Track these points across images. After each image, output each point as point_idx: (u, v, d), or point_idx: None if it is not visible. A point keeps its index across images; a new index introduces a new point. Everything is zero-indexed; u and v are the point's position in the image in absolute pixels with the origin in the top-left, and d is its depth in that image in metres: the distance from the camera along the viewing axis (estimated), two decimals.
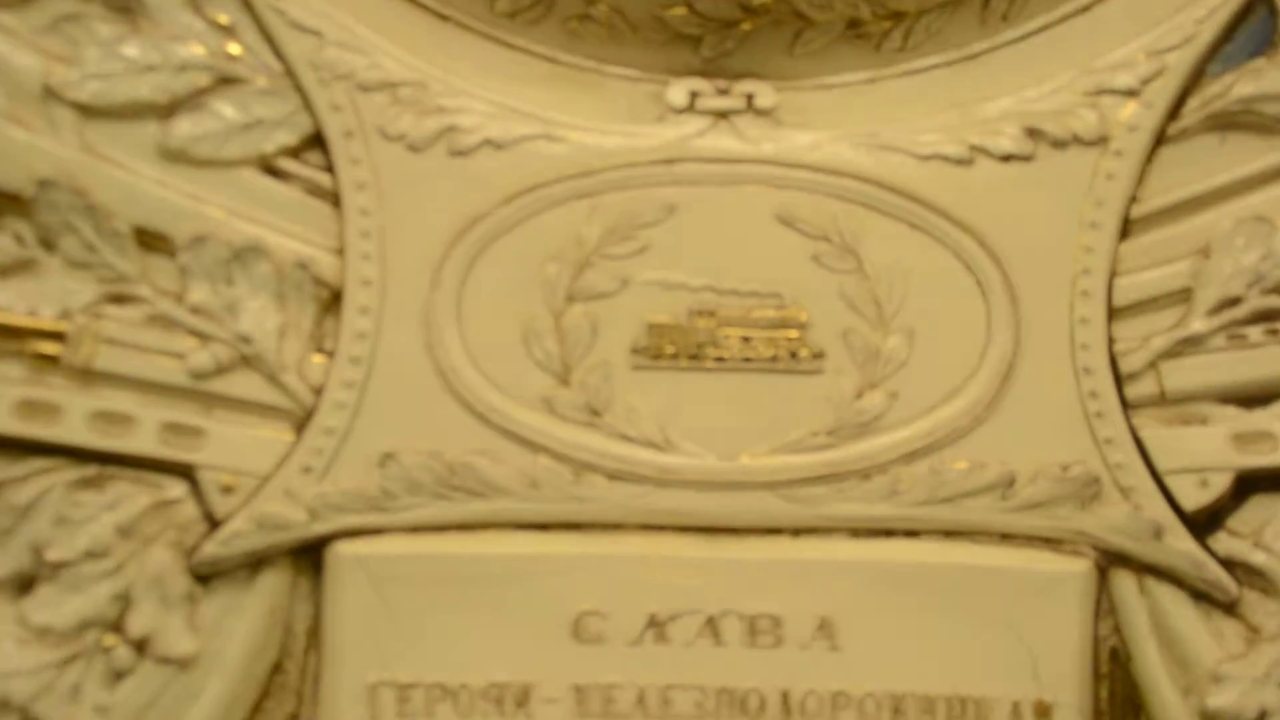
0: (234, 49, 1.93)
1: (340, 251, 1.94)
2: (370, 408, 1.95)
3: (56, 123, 1.93)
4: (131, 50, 1.92)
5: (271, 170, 1.96)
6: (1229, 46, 1.92)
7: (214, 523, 1.94)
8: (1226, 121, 1.93)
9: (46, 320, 1.94)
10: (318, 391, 1.95)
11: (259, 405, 1.96)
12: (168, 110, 1.93)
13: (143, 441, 1.94)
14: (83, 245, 1.93)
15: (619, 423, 1.94)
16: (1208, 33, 1.91)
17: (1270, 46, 1.92)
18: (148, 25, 1.93)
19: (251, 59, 1.93)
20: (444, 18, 1.94)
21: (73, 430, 1.93)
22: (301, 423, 1.94)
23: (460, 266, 1.94)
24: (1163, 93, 1.91)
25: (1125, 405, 1.94)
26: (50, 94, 1.92)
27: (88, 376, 1.95)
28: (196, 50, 1.93)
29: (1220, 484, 1.92)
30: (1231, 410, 1.94)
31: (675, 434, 1.93)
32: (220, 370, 1.95)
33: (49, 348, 1.94)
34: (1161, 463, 1.94)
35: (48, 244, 1.94)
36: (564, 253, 1.93)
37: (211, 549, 1.94)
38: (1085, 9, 1.92)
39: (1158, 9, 1.92)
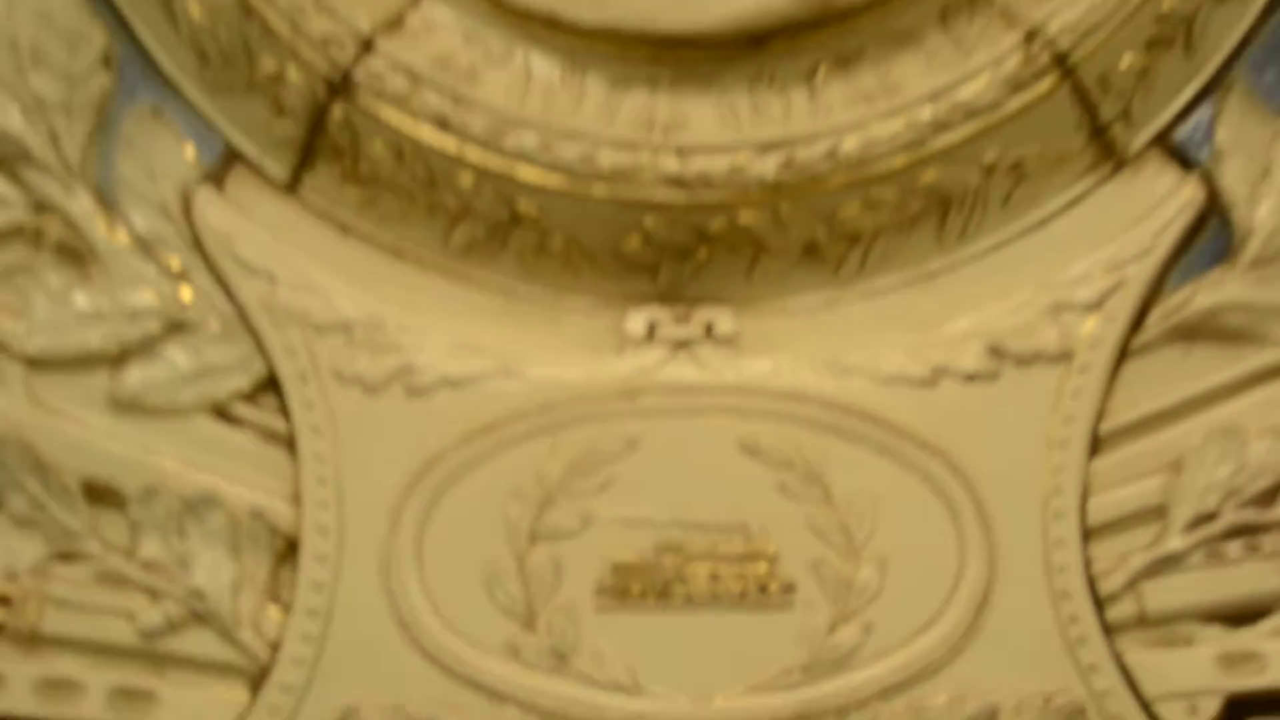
0: (186, 294, 1.85)
1: (296, 498, 1.83)
2: (329, 661, 1.83)
3: (4, 376, 1.85)
4: (81, 299, 1.84)
5: (225, 416, 1.85)
6: (1187, 258, 1.84)
7: None
8: (1190, 333, 1.84)
9: None
10: (275, 646, 1.83)
11: (213, 664, 1.84)
12: (118, 359, 1.84)
13: (91, 708, 1.83)
14: (30, 503, 1.83)
15: (587, 667, 1.82)
16: (1164, 245, 1.83)
17: (1228, 257, 1.84)
18: (98, 272, 1.84)
19: (203, 303, 1.84)
20: (398, 254, 1.85)
21: (16, 700, 1.83)
22: (258, 680, 1.82)
23: (419, 510, 1.82)
24: (1124, 306, 1.82)
25: (1107, 629, 1.82)
26: None
27: (33, 640, 1.84)
28: (148, 297, 1.84)
29: (1210, 709, 1.82)
30: (1216, 630, 1.84)
31: (645, 677, 1.80)
32: (172, 628, 1.84)
33: None
34: (1148, 688, 1.82)
35: None
36: (525, 491, 1.81)
37: None
38: (1042, 224, 1.84)
39: (1114, 223, 1.84)
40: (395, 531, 1.81)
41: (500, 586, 1.81)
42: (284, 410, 1.83)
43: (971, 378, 1.81)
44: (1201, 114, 1.84)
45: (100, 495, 1.84)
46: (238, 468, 1.84)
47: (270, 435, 1.84)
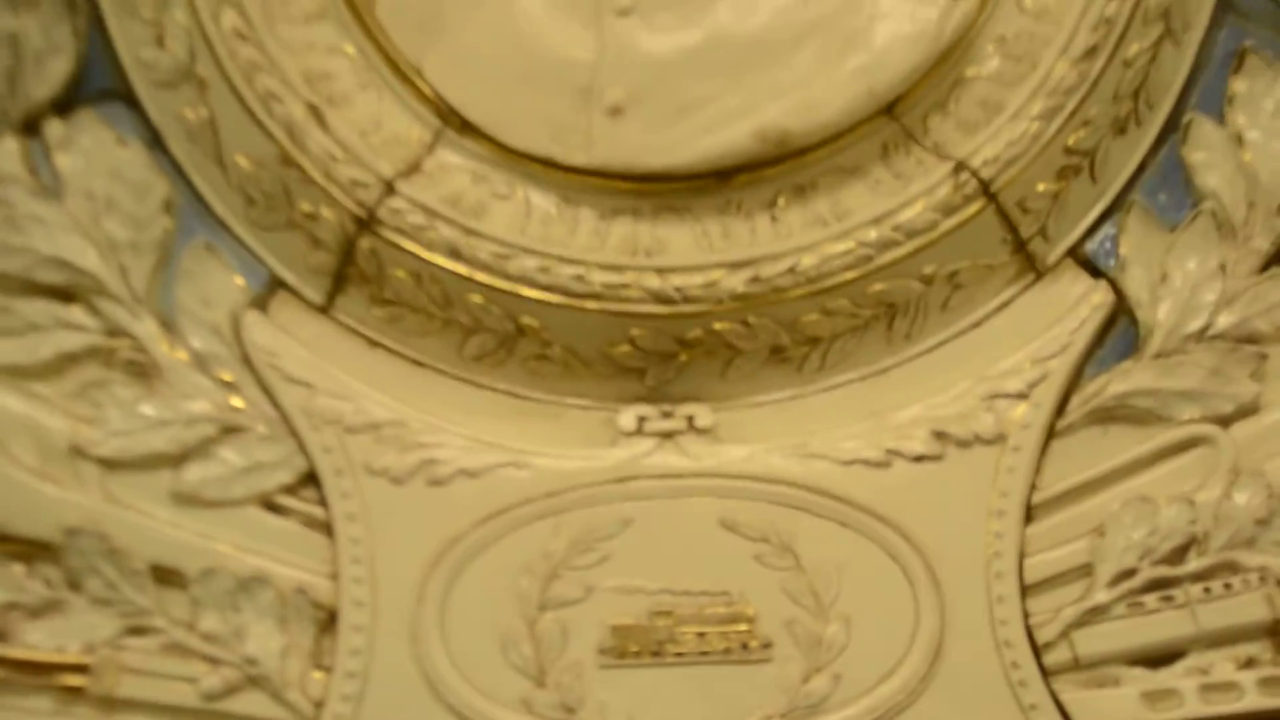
0: (237, 402, 1.91)
1: (335, 576, 1.89)
2: (366, 717, 1.88)
3: (82, 476, 1.91)
4: (148, 409, 1.90)
5: (272, 506, 1.91)
6: (1100, 352, 1.91)
7: None
8: (1106, 416, 1.90)
9: (72, 655, 1.90)
10: (318, 705, 1.88)
11: None
12: (180, 459, 1.90)
13: None
14: (105, 584, 1.89)
15: (592, 719, 1.87)
16: (1081, 342, 1.89)
17: (1135, 351, 1.90)
18: (162, 386, 1.91)
19: (252, 410, 1.91)
20: (420, 364, 1.92)
21: None
22: None
23: (442, 584, 1.87)
24: (1048, 394, 1.88)
25: (1044, 673, 1.87)
26: (77, 452, 1.90)
27: (111, 704, 1.89)
28: (204, 406, 1.91)
29: None
30: (1139, 671, 1.89)
31: None
32: (230, 691, 1.89)
33: (75, 680, 1.90)
34: None
35: (74, 585, 1.90)
36: (534, 566, 1.87)
37: None
38: (975, 326, 1.91)
39: (1037, 322, 1.90)
40: (421, 603, 1.87)
41: (514, 649, 1.87)
42: (322, 500, 1.90)
43: (920, 459, 1.88)
44: (1107, 230, 1.92)
45: (165, 576, 1.90)
46: (284, 550, 1.90)
47: (311, 522, 1.91)
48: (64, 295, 1.92)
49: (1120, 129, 1.89)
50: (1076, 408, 1.90)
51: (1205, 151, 1.91)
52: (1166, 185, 1.92)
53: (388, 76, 1.89)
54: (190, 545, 1.90)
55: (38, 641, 1.91)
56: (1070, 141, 1.86)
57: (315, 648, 1.90)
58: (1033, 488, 1.89)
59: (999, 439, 1.88)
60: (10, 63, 1.89)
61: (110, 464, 1.91)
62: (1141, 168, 1.92)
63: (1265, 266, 1.90)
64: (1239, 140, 1.90)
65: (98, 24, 1.91)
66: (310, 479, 1.91)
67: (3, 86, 1.90)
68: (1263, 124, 1.90)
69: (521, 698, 1.87)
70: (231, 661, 1.89)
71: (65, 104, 1.92)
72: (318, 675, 1.90)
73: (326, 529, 1.90)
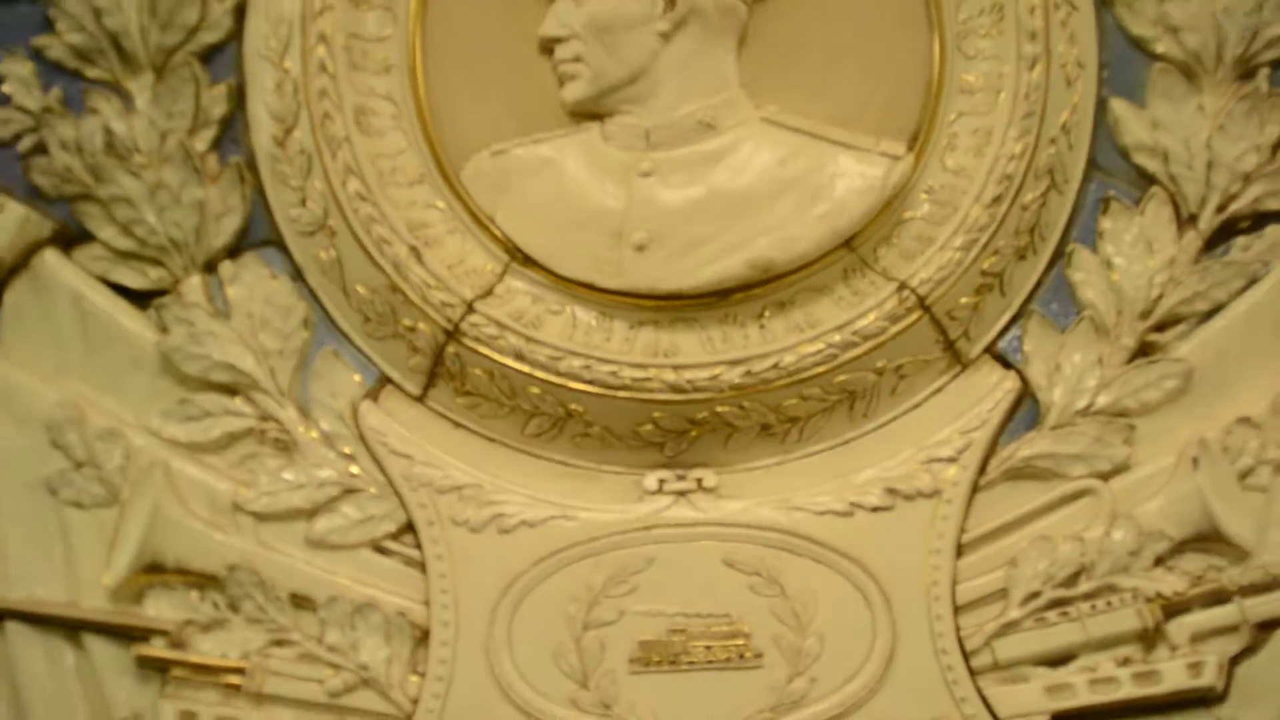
0: (354, 470, 1.96)
1: (427, 603, 1.92)
2: (451, 712, 1.91)
3: (240, 526, 1.96)
4: (289, 475, 1.96)
5: (380, 549, 1.96)
6: (1011, 425, 1.95)
7: None
8: (1016, 474, 1.93)
9: (232, 660, 1.94)
10: (415, 701, 1.92)
11: (375, 713, 1.93)
12: (311, 513, 1.95)
13: None
14: (256, 607, 1.93)
15: (624, 713, 1.90)
16: (996, 417, 1.93)
17: (1037, 423, 1.94)
18: (299, 457, 1.96)
19: (366, 476, 1.95)
20: (492, 440, 1.96)
21: None
22: None
23: (508, 610, 1.91)
24: (973, 458, 1.92)
25: (972, 673, 1.91)
26: (237, 507, 1.96)
27: (260, 699, 1.94)
28: (330, 472, 1.96)
29: None
30: (1043, 670, 1.91)
31: (665, 719, 1.90)
32: (347, 690, 1.93)
33: (234, 680, 1.94)
34: (1001, 711, 1.91)
35: (233, 607, 1.94)
36: (578, 595, 1.91)
37: None
38: (916, 406, 1.95)
39: (963, 403, 1.94)
40: (493, 624, 1.92)
41: (564, 659, 1.91)
42: (418, 545, 1.94)
43: (875, 510, 1.92)
44: (1014, 332, 1.97)
45: (300, 602, 1.95)
46: (388, 583, 1.95)
47: (409, 561, 1.95)
48: (230, 390, 1.97)
49: (1021, 256, 1.94)
50: (994, 468, 1.94)
51: (1084, 273, 1.95)
52: (1057, 298, 1.97)
53: (469, 224, 1.94)
54: (319, 579, 1.95)
55: (207, 650, 1.95)
56: (985, 266, 1.91)
57: (412, 658, 1.94)
58: (962, 530, 1.93)
59: (936, 493, 1.92)
60: (198, 221, 1.96)
61: (261, 516, 1.96)
62: (1038, 285, 1.97)
63: (1131, 359, 1.94)
64: (1108, 264, 1.95)
65: (259, 191, 1.97)
66: (409, 529, 1.95)
67: (192, 238, 1.96)
68: (1125, 252, 1.95)
69: (570, 697, 1.91)
70: (349, 668, 1.93)
71: (235, 249, 1.98)
72: (414, 679, 1.93)
73: (421, 567, 1.94)
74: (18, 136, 1.98)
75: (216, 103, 1.97)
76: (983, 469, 1.94)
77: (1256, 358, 1.94)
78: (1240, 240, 1.96)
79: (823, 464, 1.95)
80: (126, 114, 1.95)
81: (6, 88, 1.98)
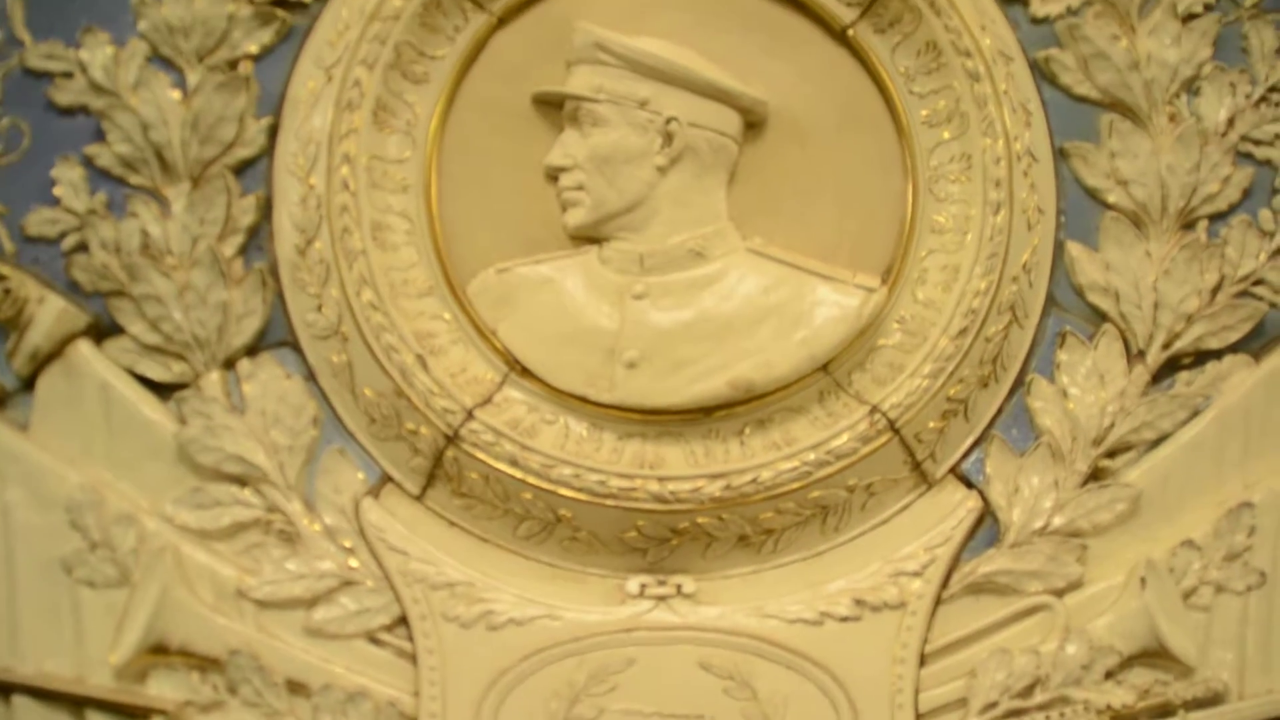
0: (353, 563, 1.84)
1: (417, 694, 1.81)
2: None
3: (243, 612, 1.83)
4: (291, 565, 1.84)
5: (374, 640, 1.84)
6: (972, 542, 1.85)
7: None
8: (977, 589, 1.84)
9: None
10: None
11: None
12: (311, 602, 1.84)
13: None
14: (254, 691, 1.81)
15: None
16: (959, 535, 1.84)
17: (997, 541, 1.85)
18: (302, 549, 1.85)
19: (363, 569, 1.84)
20: (485, 540, 1.85)
21: None
22: None
23: (494, 704, 1.80)
24: (937, 573, 1.83)
25: None
26: (240, 594, 1.83)
27: None
28: (330, 564, 1.85)
29: None
30: None
31: None
32: None
33: None
34: None
35: (232, 690, 1.81)
36: (561, 692, 1.80)
37: None
38: (884, 522, 1.85)
39: (927, 521, 1.85)
40: (479, 717, 1.79)
41: None
42: (410, 638, 1.82)
43: (844, 619, 1.81)
44: (977, 455, 1.87)
45: (296, 688, 1.82)
46: (380, 673, 1.82)
47: (401, 653, 1.83)
48: (240, 481, 1.85)
49: (984, 384, 1.85)
50: (957, 583, 1.84)
51: (1042, 401, 1.86)
52: (1017, 424, 1.89)
53: (472, 335, 1.84)
54: (314, 666, 1.82)
55: None
56: (950, 393, 1.83)
57: None
58: (925, 641, 1.83)
59: (901, 605, 1.82)
60: (221, 320, 1.85)
61: (262, 604, 1.84)
62: (1000, 411, 1.89)
63: (1085, 483, 1.85)
64: (1064, 394, 1.86)
65: (279, 296, 1.86)
66: (402, 622, 1.83)
67: (215, 336, 1.85)
68: (1079, 383, 1.86)
69: None
70: None
71: (253, 349, 1.87)
72: None
73: (412, 659, 1.82)
74: (63, 235, 1.88)
75: (246, 212, 1.87)
76: (946, 583, 1.84)
77: (1199, 484, 1.86)
78: (1184, 375, 1.89)
79: (795, 574, 1.85)
80: (163, 219, 1.86)
81: (57, 190, 1.87)
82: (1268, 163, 1.86)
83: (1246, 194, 1.86)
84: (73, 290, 1.86)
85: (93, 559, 1.82)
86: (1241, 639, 1.81)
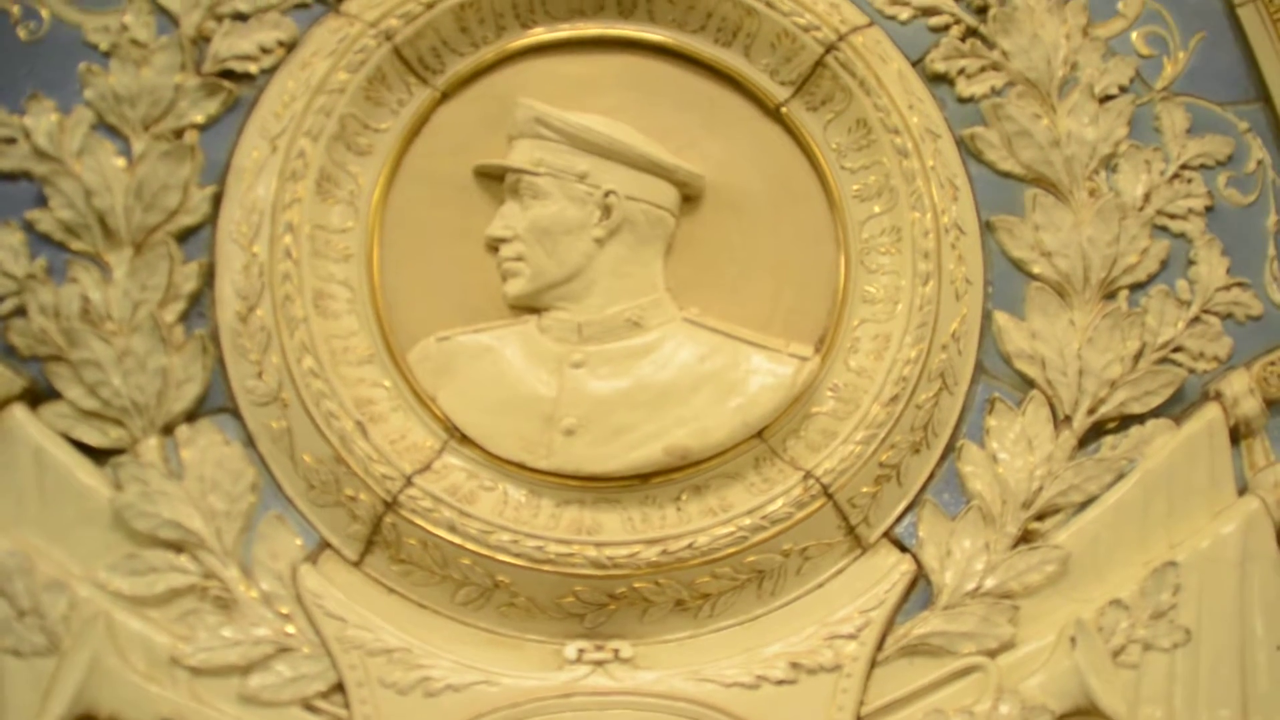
0: (290, 629, 1.83)
1: None
2: None
3: (176, 679, 1.81)
4: (227, 632, 1.83)
5: (310, 707, 1.83)
6: (906, 605, 1.87)
7: None
8: (911, 650, 1.85)
9: None
10: None
11: None
12: (246, 669, 1.82)
13: None
14: None
15: None
16: (893, 598, 1.85)
17: (930, 603, 1.87)
18: (238, 615, 1.83)
19: (300, 635, 1.82)
20: (423, 606, 1.85)
21: None
22: None
23: None
24: (871, 635, 1.84)
25: None
26: (174, 661, 1.81)
27: None
28: (267, 631, 1.83)
29: None
30: None
31: None
32: None
33: None
34: None
35: None
36: None
37: None
38: (820, 585, 1.87)
39: (862, 584, 1.87)
40: None
41: None
42: (347, 705, 1.82)
43: (780, 682, 1.82)
44: (910, 519, 1.90)
45: None
46: None
47: None
48: (176, 547, 1.84)
49: (916, 450, 1.88)
50: (891, 645, 1.85)
51: (972, 466, 1.90)
52: (948, 488, 1.91)
53: (412, 403, 1.85)
54: None
55: None
56: (883, 458, 1.85)
57: None
58: (861, 703, 1.85)
59: (837, 668, 1.83)
60: (160, 386, 1.85)
61: (196, 671, 1.82)
62: (931, 476, 1.92)
63: (1015, 545, 1.88)
64: (994, 459, 1.90)
65: (220, 362, 1.87)
66: (339, 688, 1.83)
67: (154, 402, 1.85)
68: (1008, 448, 1.90)
69: None
70: None
71: (193, 415, 1.87)
72: None
73: None
74: (1, 299, 1.87)
75: (188, 279, 1.88)
76: (880, 645, 1.85)
77: (1125, 545, 1.90)
78: (1109, 439, 1.94)
79: (732, 638, 1.85)
80: (104, 284, 1.86)
81: None
82: (1182, 235, 1.94)
83: (1164, 265, 1.93)
84: (9, 354, 1.86)
85: (19, 627, 1.79)
86: (1169, 695, 1.84)
